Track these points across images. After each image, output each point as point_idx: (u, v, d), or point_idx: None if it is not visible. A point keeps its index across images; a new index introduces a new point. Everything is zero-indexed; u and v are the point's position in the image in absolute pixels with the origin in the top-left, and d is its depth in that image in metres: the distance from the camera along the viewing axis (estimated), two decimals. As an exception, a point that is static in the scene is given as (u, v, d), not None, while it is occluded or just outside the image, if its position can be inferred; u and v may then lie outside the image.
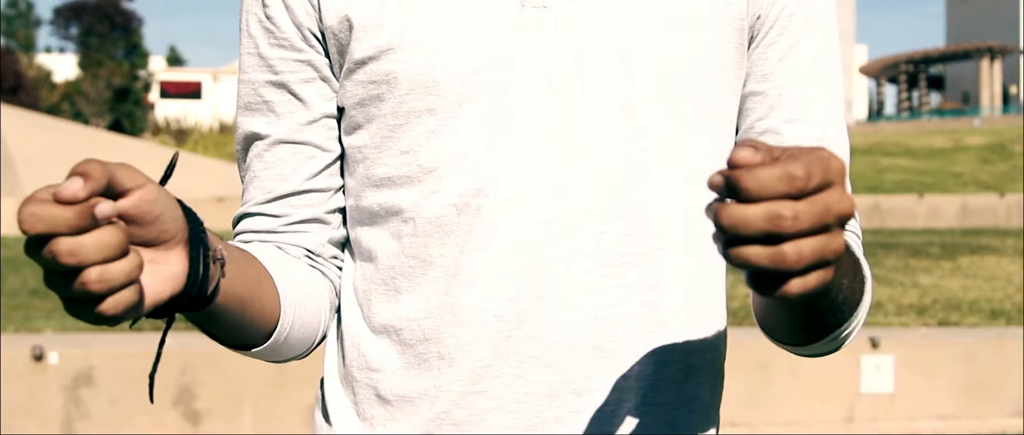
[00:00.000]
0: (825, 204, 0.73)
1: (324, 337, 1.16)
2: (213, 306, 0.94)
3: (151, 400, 0.94)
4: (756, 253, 0.73)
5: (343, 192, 1.16)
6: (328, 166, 1.14)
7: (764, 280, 0.75)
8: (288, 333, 1.09)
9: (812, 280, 0.74)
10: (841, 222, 0.74)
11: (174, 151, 0.91)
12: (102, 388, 5.20)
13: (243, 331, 1.04)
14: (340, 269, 1.17)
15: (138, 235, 0.81)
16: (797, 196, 0.72)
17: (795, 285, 0.74)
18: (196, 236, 0.87)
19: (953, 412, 5.79)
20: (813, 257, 0.73)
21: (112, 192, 0.78)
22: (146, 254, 0.82)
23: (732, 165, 0.73)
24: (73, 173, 0.74)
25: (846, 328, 1.04)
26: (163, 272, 0.84)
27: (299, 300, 1.10)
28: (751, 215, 0.72)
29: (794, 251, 0.73)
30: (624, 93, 1.06)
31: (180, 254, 0.85)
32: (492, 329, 1.06)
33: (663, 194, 1.07)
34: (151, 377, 0.92)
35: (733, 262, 0.74)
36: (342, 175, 1.16)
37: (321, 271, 1.15)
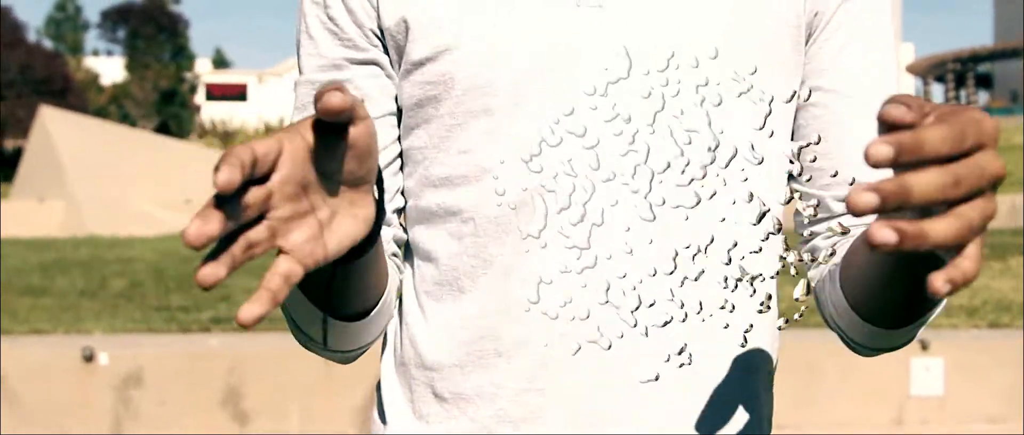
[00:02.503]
0: (980, 167, 0.67)
1: (381, 332, 1.14)
2: (366, 256, 0.92)
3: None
4: (942, 229, 0.66)
5: (403, 193, 1.15)
6: (389, 165, 1.14)
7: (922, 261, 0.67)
8: (387, 305, 1.09)
9: (977, 254, 0.67)
10: (994, 185, 0.68)
11: None
12: (151, 388, 5.24)
13: (364, 294, 1.03)
14: (400, 269, 1.16)
15: (352, 171, 0.81)
16: (949, 159, 0.66)
17: (967, 265, 0.67)
18: (379, 177, 0.87)
19: (1003, 415, 5.72)
20: (981, 226, 0.67)
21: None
22: (347, 196, 0.82)
23: (890, 123, 0.65)
24: (333, 106, 0.74)
25: (934, 311, 1.03)
26: (358, 214, 0.84)
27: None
28: (930, 184, 0.65)
29: (966, 221, 0.66)
30: (680, 92, 1.05)
31: (370, 196, 0.85)
32: (549, 326, 1.05)
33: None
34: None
35: (914, 244, 0.64)
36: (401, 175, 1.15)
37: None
